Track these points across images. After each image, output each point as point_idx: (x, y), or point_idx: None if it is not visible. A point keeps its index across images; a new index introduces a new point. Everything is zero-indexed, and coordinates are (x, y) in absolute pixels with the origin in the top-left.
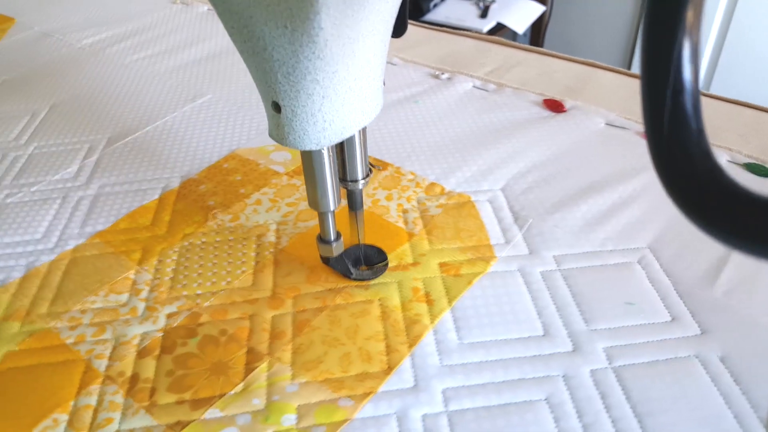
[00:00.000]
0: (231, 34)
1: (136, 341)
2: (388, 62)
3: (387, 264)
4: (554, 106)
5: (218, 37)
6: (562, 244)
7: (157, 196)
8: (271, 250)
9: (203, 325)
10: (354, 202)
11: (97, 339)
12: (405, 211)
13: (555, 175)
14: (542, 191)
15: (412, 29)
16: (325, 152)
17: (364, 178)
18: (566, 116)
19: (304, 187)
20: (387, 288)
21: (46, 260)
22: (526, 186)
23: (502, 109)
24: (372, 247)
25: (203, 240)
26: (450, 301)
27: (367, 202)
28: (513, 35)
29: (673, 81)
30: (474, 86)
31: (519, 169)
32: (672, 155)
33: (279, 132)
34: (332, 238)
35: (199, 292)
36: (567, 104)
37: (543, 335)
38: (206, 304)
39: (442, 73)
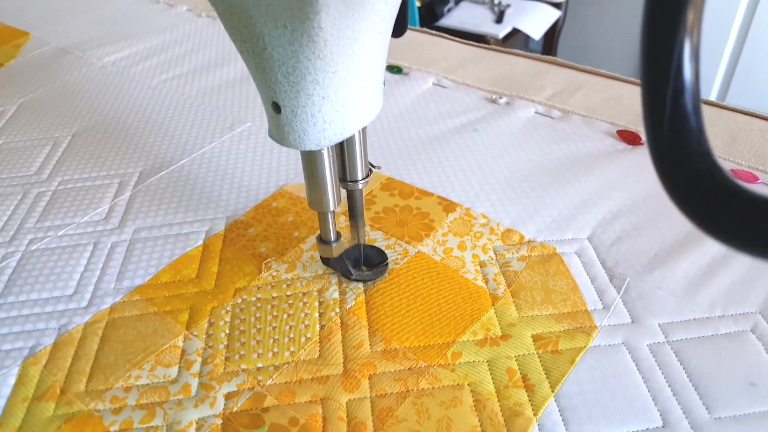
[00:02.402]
0: (231, 34)
1: (191, 429)
2: (437, 84)
3: (387, 264)
4: (630, 137)
5: None
6: (667, 310)
7: (201, 242)
8: (337, 309)
9: (269, 410)
10: (354, 203)
11: (146, 426)
12: (483, 265)
13: (645, 223)
14: (634, 243)
15: (459, 47)
16: (325, 152)
17: (364, 179)
18: (644, 150)
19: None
20: (477, 369)
21: (80, 322)
22: (616, 236)
23: (574, 139)
24: (372, 247)
25: (258, 296)
26: (553, 387)
27: (439, 252)
28: (526, 40)
29: (673, 81)
30: (536, 112)
31: (604, 215)
32: (672, 155)
33: (279, 132)
34: (332, 238)
35: (260, 365)
36: (644, 136)
37: (662, 426)
38: (269, 381)
39: (500, 97)
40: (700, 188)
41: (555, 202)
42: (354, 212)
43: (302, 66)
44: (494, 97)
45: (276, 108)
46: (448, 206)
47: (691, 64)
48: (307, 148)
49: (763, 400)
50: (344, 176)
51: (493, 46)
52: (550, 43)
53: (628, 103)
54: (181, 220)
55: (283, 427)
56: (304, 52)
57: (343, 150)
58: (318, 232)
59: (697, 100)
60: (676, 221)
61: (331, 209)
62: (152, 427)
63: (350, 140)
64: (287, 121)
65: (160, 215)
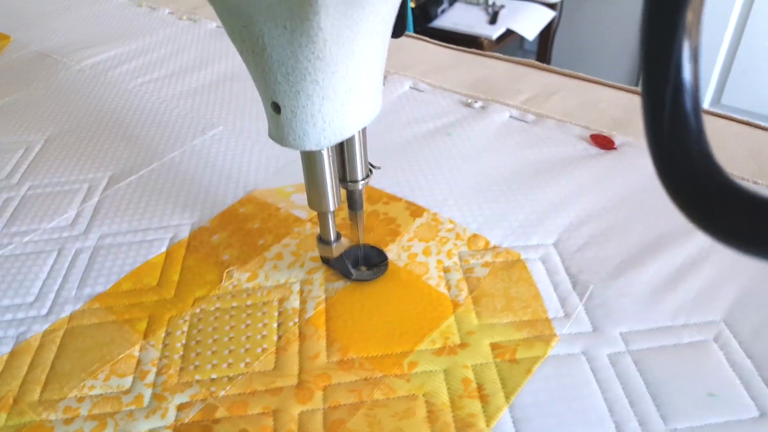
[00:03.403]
0: (230, 34)
1: None
2: (414, 88)
3: (387, 264)
4: (603, 142)
5: (229, 58)
6: (629, 318)
7: (164, 249)
8: (296, 319)
9: (220, 422)
10: (354, 203)
11: None
12: (447, 270)
13: (613, 228)
14: (601, 248)
15: (439, 50)
16: (324, 153)
17: (364, 179)
18: (617, 155)
19: None
20: (433, 379)
21: (38, 330)
22: (582, 241)
23: (546, 143)
24: (372, 247)
25: (217, 305)
26: (508, 397)
27: (403, 257)
28: (521, 41)
29: (673, 80)
30: (511, 116)
31: (571, 220)
32: (672, 155)
33: (278, 132)
34: (332, 238)
35: (213, 376)
36: (617, 140)
37: None
38: (222, 393)
39: (475, 101)
40: (699, 188)
41: (523, 206)
42: (354, 212)
43: (302, 66)
44: (470, 101)
45: (275, 108)
46: (416, 211)
47: (691, 64)
48: (307, 149)
49: (721, 411)
50: (344, 176)
51: (473, 50)
52: (545, 43)
53: (605, 106)
54: (146, 227)
55: None
56: (303, 52)
57: (343, 150)
58: (319, 232)
59: (697, 100)
60: (644, 227)
61: (331, 209)
62: None
63: (350, 140)
64: (287, 121)
65: (125, 221)
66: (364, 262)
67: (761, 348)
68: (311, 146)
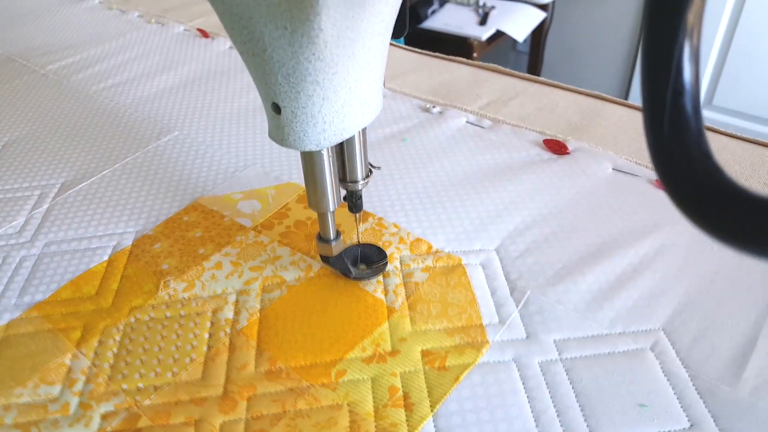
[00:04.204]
0: (231, 36)
1: None
2: None
3: (386, 263)
4: (556, 147)
5: (192, 62)
6: (565, 326)
7: (106, 257)
8: (227, 330)
9: (142, 431)
10: (354, 203)
11: None
12: (386, 275)
13: (557, 234)
14: (543, 254)
15: (403, 55)
16: (325, 153)
17: (364, 179)
18: (569, 159)
19: (272, 246)
20: (359, 388)
21: None
22: (525, 247)
23: (499, 149)
24: (371, 246)
25: (152, 315)
26: (432, 406)
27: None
28: (513, 42)
29: (673, 82)
30: (468, 122)
31: (516, 225)
32: (672, 155)
33: (279, 133)
34: (332, 237)
35: (140, 385)
36: (570, 145)
37: None
38: (147, 402)
39: (433, 107)
40: (699, 189)
41: (469, 212)
42: (353, 212)
43: (302, 67)
44: (428, 106)
45: (276, 109)
46: (361, 216)
47: (691, 66)
48: (307, 149)
49: (650, 422)
50: (344, 177)
51: (437, 54)
52: (537, 44)
53: (561, 111)
54: (91, 234)
55: None
56: (304, 53)
57: (343, 150)
58: (319, 231)
59: (697, 102)
60: (588, 233)
61: (331, 209)
62: None
63: (350, 141)
64: (287, 122)
65: (72, 229)
66: (364, 261)
67: (699, 357)
68: (311, 146)
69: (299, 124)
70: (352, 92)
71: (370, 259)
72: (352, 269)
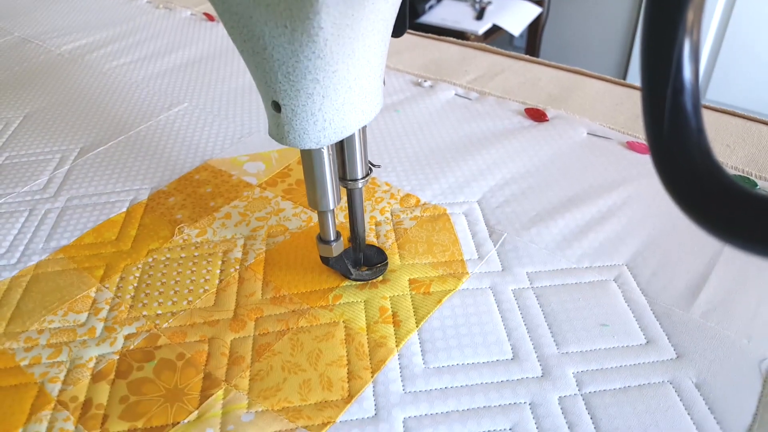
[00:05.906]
0: (231, 34)
1: (91, 364)
2: None
3: (387, 264)
4: (536, 115)
5: (199, 42)
6: (537, 261)
7: (125, 209)
8: (237, 267)
9: (161, 348)
10: (354, 202)
11: (52, 361)
12: (378, 224)
13: (534, 188)
14: (520, 204)
15: None
16: (325, 151)
17: (363, 177)
18: (548, 126)
19: (276, 200)
20: (353, 308)
21: (7, 276)
22: (504, 199)
23: (484, 118)
24: (371, 247)
25: (168, 256)
26: (417, 322)
27: (339, 215)
28: (510, 37)
29: (673, 81)
30: (456, 94)
31: (497, 181)
32: (672, 155)
33: (279, 131)
34: (332, 237)
35: (159, 312)
36: (549, 113)
37: (512, 359)
38: (165, 325)
39: (425, 81)
40: (699, 187)
41: (454, 171)
42: (353, 211)
43: (302, 65)
44: (420, 80)
45: (276, 107)
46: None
47: (691, 64)
48: (307, 147)
49: (610, 338)
50: (344, 175)
51: (429, 34)
52: (533, 39)
53: (543, 84)
54: (110, 190)
55: (170, 361)
56: (304, 51)
57: (342, 149)
58: (319, 233)
59: (697, 100)
60: (561, 188)
61: (331, 208)
62: (57, 362)
63: (350, 139)
64: (287, 120)
65: (92, 186)
66: (364, 262)
67: (657, 287)
68: (311, 145)
69: (299, 122)
70: (352, 90)
71: (370, 260)
72: (352, 270)
